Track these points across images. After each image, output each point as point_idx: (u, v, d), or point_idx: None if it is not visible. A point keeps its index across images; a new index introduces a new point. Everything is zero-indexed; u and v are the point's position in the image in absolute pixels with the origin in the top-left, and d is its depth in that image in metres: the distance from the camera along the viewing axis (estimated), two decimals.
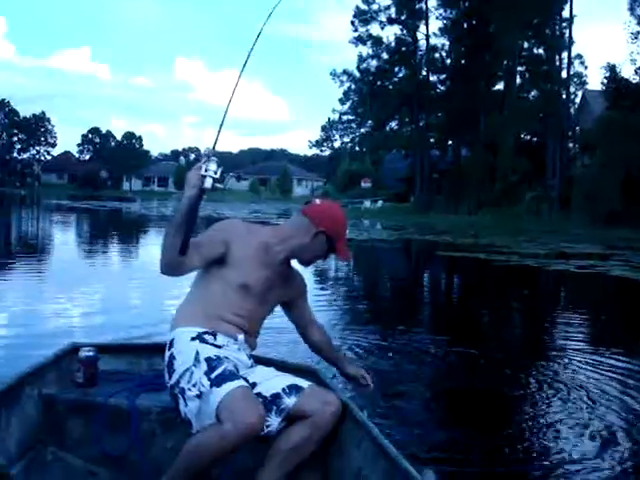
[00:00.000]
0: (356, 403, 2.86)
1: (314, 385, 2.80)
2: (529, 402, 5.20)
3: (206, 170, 2.62)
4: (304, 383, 2.77)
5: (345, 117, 60.54)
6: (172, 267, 2.70)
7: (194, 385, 2.55)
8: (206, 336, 2.71)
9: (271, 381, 2.75)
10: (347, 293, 11.54)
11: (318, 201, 2.97)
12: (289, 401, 2.66)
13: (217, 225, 2.94)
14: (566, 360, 6.65)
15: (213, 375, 2.53)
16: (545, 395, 5.33)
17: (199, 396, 2.52)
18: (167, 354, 2.73)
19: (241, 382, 2.53)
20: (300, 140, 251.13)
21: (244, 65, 2.95)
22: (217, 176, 2.63)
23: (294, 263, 3.01)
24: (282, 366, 3.08)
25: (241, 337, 2.81)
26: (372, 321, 8.67)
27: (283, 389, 2.70)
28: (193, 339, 2.69)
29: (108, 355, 3.17)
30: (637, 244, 23.13)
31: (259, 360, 2.97)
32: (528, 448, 4.24)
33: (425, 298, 11.99)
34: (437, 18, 48.96)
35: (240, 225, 2.95)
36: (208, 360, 2.60)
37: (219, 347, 2.70)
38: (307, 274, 3.09)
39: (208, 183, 2.62)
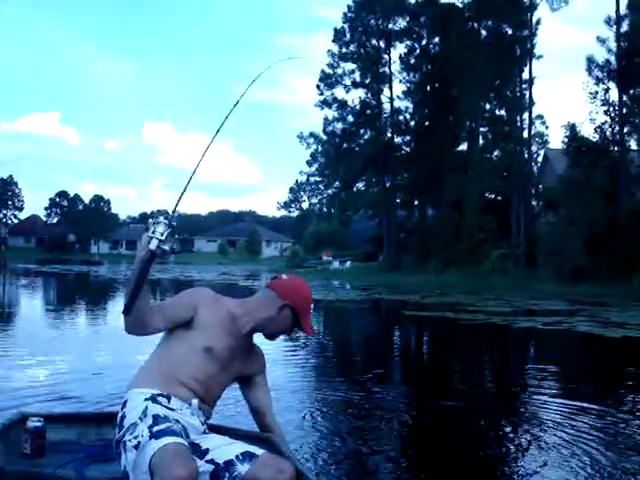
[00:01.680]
0: (311, 470, 2.83)
1: (268, 452, 2.78)
2: (510, 461, 5.17)
3: (153, 232, 2.62)
4: (258, 451, 2.75)
5: (313, 178, 61.25)
6: (134, 327, 2.75)
7: (135, 437, 2.54)
8: (160, 398, 2.71)
9: (225, 448, 2.73)
10: (315, 351, 11.57)
11: (285, 276, 3.06)
12: (242, 468, 2.64)
13: (187, 291, 3.02)
14: (539, 414, 6.70)
15: (155, 429, 2.53)
16: (524, 452, 5.31)
17: (137, 447, 2.51)
18: (119, 414, 2.72)
19: (180, 439, 2.52)
20: (269, 202, 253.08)
21: (217, 132, 3.01)
22: (162, 238, 2.61)
23: (257, 338, 3.08)
24: (236, 433, 3.05)
25: (195, 402, 2.80)
26: (339, 378, 8.71)
27: (237, 456, 2.68)
28: (146, 399, 2.69)
29: (57, 425, 3.12)
30: (602, 299, 23.42)
31: (213, 428, 2.95)
32: None
33: (391, 357, 11.93)
34: (401, 81, 49.92)
35: (209, 293, 3.00)
36: (155, 416, 2.59)
37: (172, 410, 2.70)
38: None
39: (153, 245, 2.61)
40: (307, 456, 4.84)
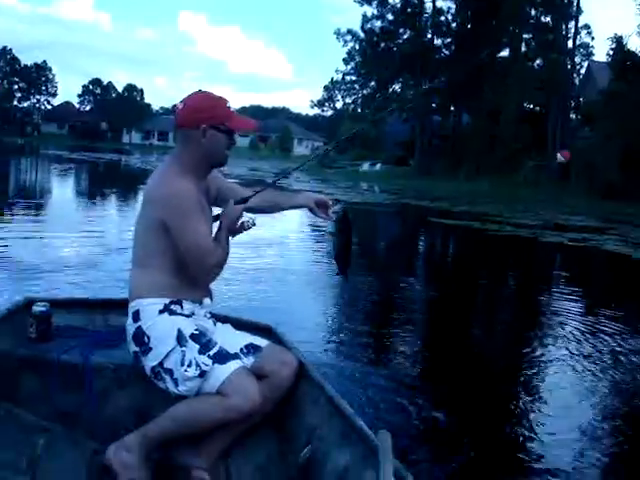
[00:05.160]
0: (312, 362, 2.85)
1: (272, 344, 2.80)
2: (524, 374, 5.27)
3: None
4: (262, 342, 2.77)
5: (348, 78, 59.82)
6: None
7: (190, 365, 2.50)
8: (173, 306, 2.63)
9: (229, 341, 2.71)
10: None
11: (179, 104, 2.66)
12: (247, 361, 2.66)
13: (185, 202, 2.57)
14: (556, 327, 6.80)
15: (212, 353, 2.53)
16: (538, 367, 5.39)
17: (202, 375, 2.49)
18: (132, 325, 2.64)
19: (241, 362, 2.58)
20: (302, 99, 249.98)
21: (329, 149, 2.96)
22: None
23: None
24: (238, 324, 3.02)
25: (207, 301, 2.77)
26: (361, 270, 9.04)
27: (241, 349, 2.70)
28: (161, 312, 2.61)
29: (62, 310, 3.11)
30: (633, 218, 23.03)
31: (217, 317, 2.91)
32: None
33: (411, 258, 11.97)
34: None
35: (191, 188, 2.62)
36: (193, 338, 2.56)
37: (188, 316, 2.65)
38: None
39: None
40: (315, 344, 4.94)
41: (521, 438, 3.97)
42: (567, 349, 5.80)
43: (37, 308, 2.88)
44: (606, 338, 6.31)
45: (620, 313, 7.88)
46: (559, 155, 34.98)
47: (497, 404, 4.56)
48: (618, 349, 5.95)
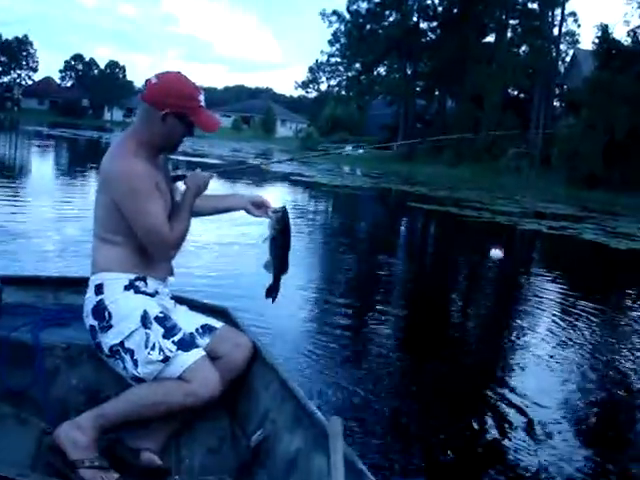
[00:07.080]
0: (266, 345, 2.85)
1: (226, 326, 2.80)
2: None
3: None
4: (217, 323, 2.76)
5: (333, 59, 59.52)
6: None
7: (153, 348, 2.46)
8: (137, 282, 2.57)
9: (185, 321, 2.67)
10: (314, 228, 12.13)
11: (154, 79, 2.52)
12: (202, 342, 2.63)
13: (137, 183, 2.45)
14: (532, 310, 6.86)
15: (176, 339, 2.50)
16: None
17: (165, 360, 2.45)
18: (94, 298, 2.56)
19: (202, 350, 2.55)
20: (287, 80, 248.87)
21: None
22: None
23: None
24: (194, 305, 3.00)
25: (171, 279, 2.75)
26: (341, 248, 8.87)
27: (197, 329, 2.68)
28: (126, 288, 2.54)
29: (13, 287, 3.02)
30: (613, 208, 23.12)
31: (174, 299, 2.85)
32: None
33: (387, 244, 11.95)
34: None
35: (144, 167, 2.50)
36: (158, 320, 2.51)
37: (152, 295, 2.60)
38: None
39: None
40: (295, 316, 4.98)
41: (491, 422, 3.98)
42: (543, 329, 5.89)
43: None
44: (579, 318, 6.43)
45: (596, 297, 7.96)
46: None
47: (472, 385, 4.61)
48: (591, 329, 6.08)
